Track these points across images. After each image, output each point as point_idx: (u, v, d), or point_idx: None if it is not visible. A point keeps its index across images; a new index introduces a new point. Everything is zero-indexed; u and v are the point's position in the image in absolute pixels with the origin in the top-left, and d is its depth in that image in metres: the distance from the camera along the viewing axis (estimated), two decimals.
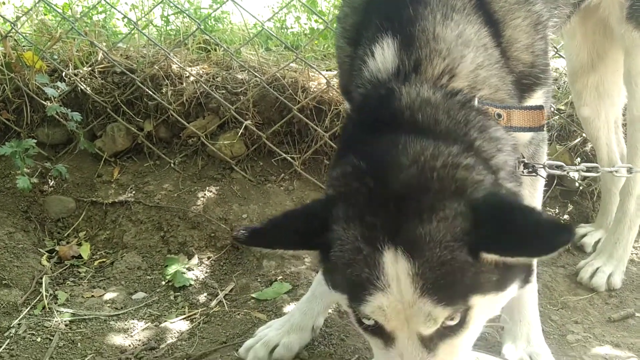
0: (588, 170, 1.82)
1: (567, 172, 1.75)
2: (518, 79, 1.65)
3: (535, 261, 1.42)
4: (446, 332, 1.30)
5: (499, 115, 1.49)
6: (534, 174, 1.75)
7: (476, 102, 1.44)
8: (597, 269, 2.57)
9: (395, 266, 1.22)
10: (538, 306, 2.12)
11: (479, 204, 1.24)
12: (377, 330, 1.34)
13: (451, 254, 1.21)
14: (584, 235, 2.96)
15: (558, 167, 1.74)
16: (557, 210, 3.14)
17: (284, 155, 3.17)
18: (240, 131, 3.14)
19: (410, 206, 1.23)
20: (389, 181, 1.27)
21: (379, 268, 1.23)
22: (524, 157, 1.76)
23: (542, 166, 1.78)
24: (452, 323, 1.29)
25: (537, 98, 1.72)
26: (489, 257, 1.23)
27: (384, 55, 1.49)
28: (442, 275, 1.21)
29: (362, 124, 1.48)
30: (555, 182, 3.17)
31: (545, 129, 1.67)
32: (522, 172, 1.72)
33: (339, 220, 1.30)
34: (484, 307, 1.32)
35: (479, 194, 1.26)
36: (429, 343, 1.30)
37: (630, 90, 2.52)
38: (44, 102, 3.17)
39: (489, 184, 1.31)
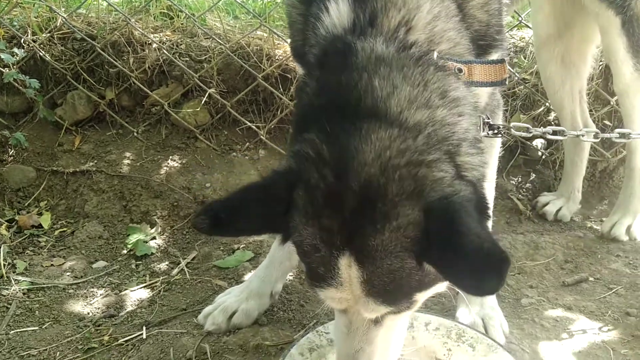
0: (554, 133, 1.83)
1: (533, 135, 1.76)
2: (474, 38, 1.62)
3: None
4: (394, 312, 1.35)
5: (460, 70, 1.45)
6: (499, 135, 1.75)
7: (435, 56, 1.40)
8: (616, 221, 2.74)
9: (348, 270, 1.25)
10: None
11: (432, 211, 1.21)
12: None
13: (400, 262, 1.23)
14: (546, 204, 3.01)
15: (525, 130, 1.74)
16: (519, 179, 3.18)
17: (249, 124, 3.14)
18: (204, 99, 3.09)
19: (367, 212, 1.22)
20: (348, 179, 1.23)
21: (333, 270, 1.26)
22: (488, 118, 1.76)
23: (508, 127, 1.78)
24: (398, 310, 1.35)
25: None
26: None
27: (338, 10, 1.44)
28: (390, 281, 1.24)
29: (322, 89, 1.41)
30: (518, 151, 3.20)
31: (505, 84, 1.64)
32: (487, 133, 1.72)
33: (298, 212, 1.28)
34: (430, 292, 1.37)
35: (435, 195, 1.23)
36: (375, 318, 1.37)
37: (613, 66, 2.57)
38: (1, 69, 3.08)
39: (448, 181, 1.26)
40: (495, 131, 1.74)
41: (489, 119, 1.75)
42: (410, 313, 1.43)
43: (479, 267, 1.11)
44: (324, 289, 1.30)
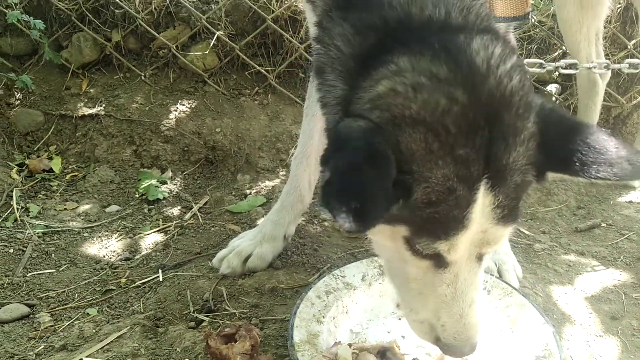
0: (567, 66, 1.79)
1: (546, 69, 1.72)
2: None
3: None
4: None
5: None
6: None
7: None
8: None
9: (484, 200, 1.12)
10: None
11: (544, 121, 1.16)
12: (431, 257, 1.22)
13: (524, 176, 1.15)
14: None
15: (539, 65, 1.70)
16: None
17: (258, 68, 3.08)
18: (213, 42, 3.03)
19: (499, 128, 1.10)
20: (476, 95, 1.09)
21: (470, 207, 1.11)
22: None
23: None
24: None
25: None
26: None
27: None
28: (515, 199, 1.16)
29: (388, 21, 1.22)
30: None
31: (528, 19, 1.57)
32: None
33: (420, 160, 1.08)
34: None
35: (537, 103, 1.17)
36: (481, 257, 1.27)
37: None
38: (4, 9, 3.00)
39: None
40: None
41: None
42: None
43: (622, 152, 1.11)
44: (452, 234, 1.13)
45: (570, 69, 1.93)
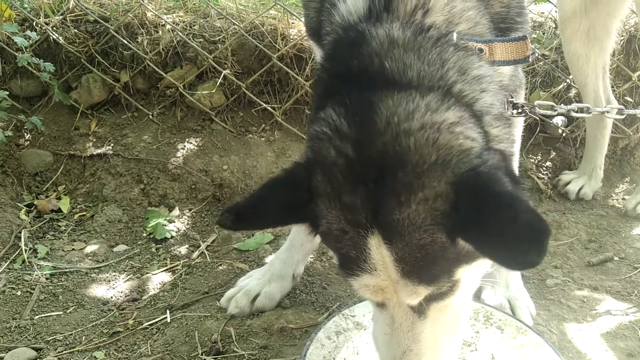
0: (579, 110, 1.79)
1: (558, 112, 1.71)
2: (495, 21, 1.57)
3: None
4: (435, 297, 1.27)
5: (481, 50, 1.39)
6: (523, 114, 1.71)
7: (455, 37, 1.35)
8: None
9: (379, 250, 1.18)
10: None
11: (462, 183, 1.14)
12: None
13: (431, 236, 1.16)
14: (568, 183, 2.97)
15: (550, 107, 1.70)
16: (539, 158, 3.14)
17: (265, 105, 3.11)
18: (219, 81, 3.06)
19: (389, 184, 1.15)
20: (364, 150, 1.18)
21: (364, 252, 1.20)
22: (512, 97, 1.72)
23: (533, 106, 1.74)
24: (440, 291, 1.26)
25: None
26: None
27: None
28: (423, 257, 1.17)
29: (336, 75, 1.38)
30: (538, 129, 3.16)
31: (528, 61, 1.58)
32: (512, 113, 1.68)
33: (320, 197, 1.24)
34: (473, 270, 1.28)
35: (464, 166, 1.16)
36: (419, 307, 1.28)
37: None
38: (15, 52, 3.06)
39: (478, 151, 1.19)
40: (520, 110, 1.71)
41: (512, 97, 1.71)
42: (458, 299, 1.32)
43: (517, 240, 1.04)
44: (358, 276, 1.23)
45: (582, 112, 1.91)
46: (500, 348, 1.68)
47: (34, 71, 3.09)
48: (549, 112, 1.69)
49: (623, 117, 1.97)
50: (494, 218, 1.07)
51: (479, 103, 1.31)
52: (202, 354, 1.85)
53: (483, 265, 1.30)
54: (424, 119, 1.18)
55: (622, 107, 1.92)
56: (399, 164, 1.15)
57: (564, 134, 3.16)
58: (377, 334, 1.38)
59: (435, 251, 1.17)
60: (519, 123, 1.99)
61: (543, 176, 3.07)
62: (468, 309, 1.42)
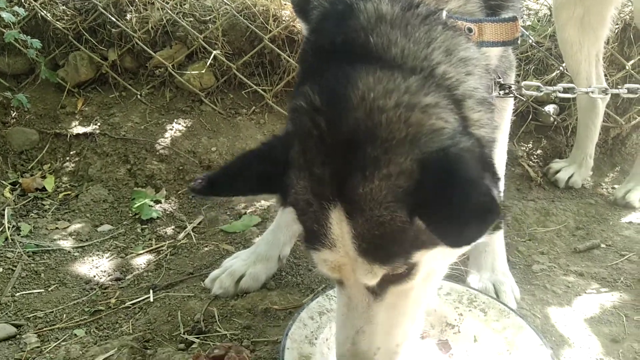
0: (565, 91, 1.77)
1: (544, 93, 1.70)
2: None
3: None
4: (393, 279, 1.25)
5: (470, 30, 1.37)
6: (510, 95, 1.69)
7: (444, 15, 1.32)
8: (631, 189, 2.74)
9: (340, 225, 1.17)
10: (506, 238, 2.13)
11: (428, 161, 1.12)
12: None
13: (391, 214, 1.14)
14: (558, 171, 2.96)
15: (536, 88, 1.68)
16: (530, 146, 3.12)
17: (255, 87, 3.07)
18: (209, 61, 3.02)
19: (356, 158, 1.14)
20: (338, 124, 1.17)
21: (326, 225, 1.19)
22: (499, 78, 1.70)
23: (519, 87, 1.71)
24: (398, 272, 1.24)
25: None
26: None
27: None
28: (381, 235, 1.16)
29: (320, 48, 1.36)
30: (530, 117, 3.14)
31: (517, 44, 1.56)
32: (499, 93, 1.66)
33: (293, 167, 1.24)
34: (434, 257, 1.26)
35: (434, 145, 1.14)
36: (376, 289, 1.27)
37: None
38: (2, 29, 3.01)
39: (451, 132, 1.17)
40: (507, 91, 1.69)
41: (500, 78, 1.69)
42: (418, 285, 1.30)
43: (464, 216, 1.04)
44: (319, 250, 1.23)
45: (568, 93, 1.90)
46: (483, 330, 1.67)
47: (22, 48, 3.05)
48: (535, 93, 1.67)
49: (607, 96, 1.96)
50: (451, 199, 1.05)
51: (462, 86, 1.29)
52: (184, 333, 1.83)
53: (448, 253, 1.28)
54: (401, 99, 1.17)
55: (606, 86, 1.91)
56: (369, 139, 1.14)
57: (555, 123, 3.15)
58: (336, 314, 1.38)
59: (394, 230, 1.16)
60: (508, 107, 1.96)
61: (533, 164, 3.06)
62: (429, 296, 1.40)
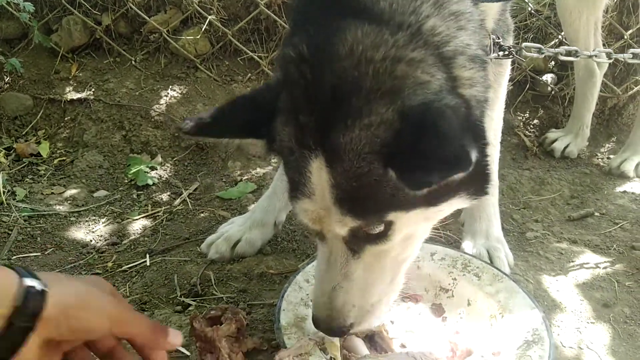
0: (567, 53, 1.75)
1: (545, 55, 1.68)
2: None
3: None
4: (371, 239, 1.25)
5: None
6: (510, 57, 1.67)
7: None
8: (626, 158, 2.74)
9: (319, 174, 1.17)
10: (501, 206, 2.14)
11: (408, 113, 1.11)
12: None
13: (369, 165, 1.13)
14: (554, 140, 2.97)
15: (537, 50, 1.66)
16: (527, 115, 3.12)
17: (251, 54, 3.04)
18: (204, 27, 2.98)
19: (340, 108, 1.14)
20: (324, 73, 1.16)
21: (306, 174, 1.19)
22: (499, 38, 1.67)
23: (520, 48, 1.69)
24: (374, 231, 1.23)
25: None
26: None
27: None
28: (358, 188, 1.15)
29: (309, 1, 1.35)
30: (527, 86, 3.13)
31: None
32: (498, 55, 1.64)
33: (280, 115, 1.24)
34: (412, 220, 1.25)
35: (417, 99, 1.12)
36: (355, 246, 1.27)
37: None
38: None
39: (436, 88, 1.16)
40: (506, 52, 1.67)
41: (499, 39, 1.67)
42: (396, 247, 1.29)
43: (427, 164, 1.06)
44: (299, 199, 1.23)
45: (571, 56, 1.88)
46: (477, 294, 1.69)
47: (14, 12, 2.99)
48: (536, 55, 1.65)
49: (611, 61, 1.93)
50: (423, 150, 1.06)
51: (453, 42, 1.25)
52: (180, 296, 1.84)
53: (428, 216, 1.27)
54: (388, 52, 1.16)
55: (610, 50, 1.89)
56: (354, 89, 1.14)
57: (553, 92, 3.14)
58: (315, 268, 1.40)
59: (370, 184, 1.15)
60: (505, 71, 1.94)
61: (530, 134, 3.06)
62: (409, 259, 1.39)
